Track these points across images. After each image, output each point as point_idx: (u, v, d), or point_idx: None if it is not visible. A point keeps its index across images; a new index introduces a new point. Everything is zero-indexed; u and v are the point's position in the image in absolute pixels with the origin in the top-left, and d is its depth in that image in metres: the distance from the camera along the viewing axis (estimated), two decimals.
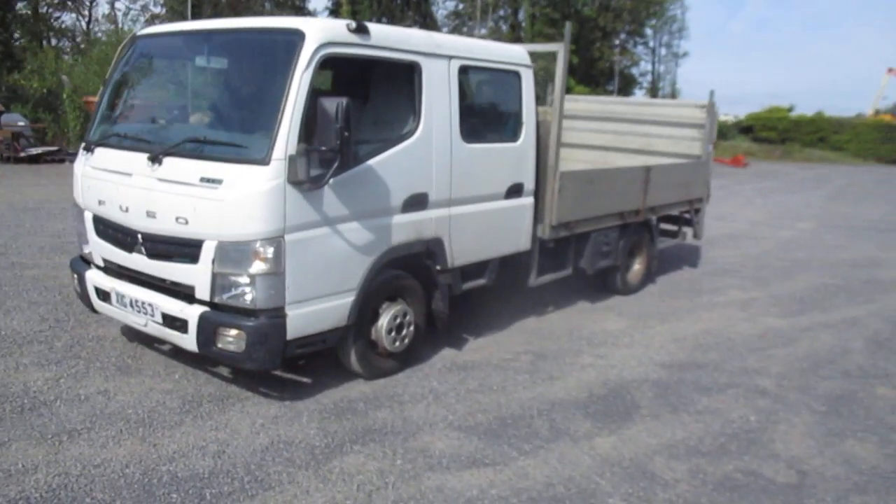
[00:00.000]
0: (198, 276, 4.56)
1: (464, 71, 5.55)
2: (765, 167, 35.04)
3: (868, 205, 20.29)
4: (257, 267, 4.37)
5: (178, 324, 4.71)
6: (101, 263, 5.31)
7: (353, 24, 4.66)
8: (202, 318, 4.54)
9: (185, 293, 4.71)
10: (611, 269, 7.95)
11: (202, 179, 4.45)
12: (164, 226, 4.65)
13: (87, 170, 5.27)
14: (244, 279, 4.42)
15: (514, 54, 6.12)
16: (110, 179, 5.02)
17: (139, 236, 4.85)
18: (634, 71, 57.91)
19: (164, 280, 4.79)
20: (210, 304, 4.58)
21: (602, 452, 4.49)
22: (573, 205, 6.81)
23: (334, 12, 38.94)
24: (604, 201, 7.33)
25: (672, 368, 6.03)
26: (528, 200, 6.37)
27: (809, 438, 4.87)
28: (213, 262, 4.46)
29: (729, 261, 10.88)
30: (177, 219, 4.57)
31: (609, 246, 7.63)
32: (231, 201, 4.33)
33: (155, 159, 4.68)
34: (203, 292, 4.57)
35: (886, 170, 38.08)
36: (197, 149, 4.58)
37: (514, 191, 6.18)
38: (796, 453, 4.64)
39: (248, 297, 4.43)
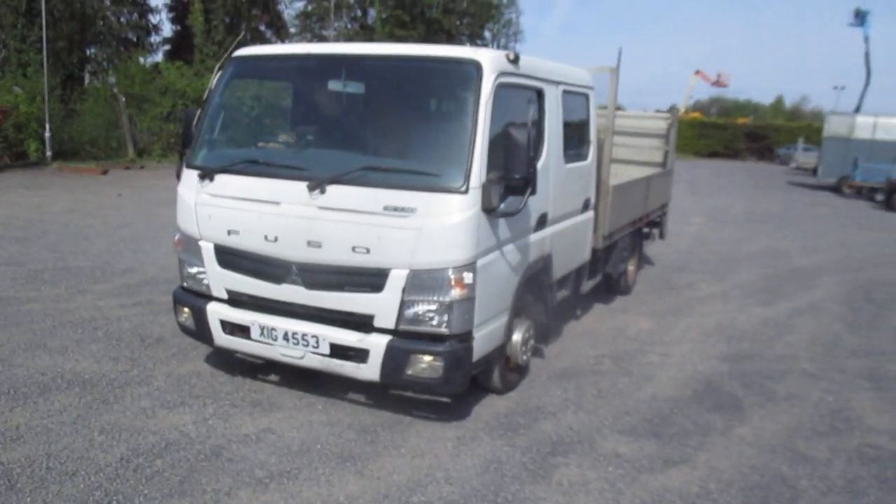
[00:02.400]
0: (380, 304, 4.55)
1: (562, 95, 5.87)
2: None
3: (724, 198, 22.79)
4: (455, 293, 4.45)
5: (352, 354, 4.66)
6: (225, 296, 5.06)
7: (512, 55, 4.85)
8: (391, 347, 4.54)
9: (355, 322, 4.65)
10: (622, 273, 8.57)
11: (387, 208, 4.44)
12: (335, 256, 4.58)
13: (204, 198, 5.02)
14: (438, 305, 4.48)
15: (584, 77, 6.50)
16: (249, 208, 4.83)
17: (293, 267, 4.72)
18: None
19: (327, 311, 4.70)
20: (392, 332, 4.58)
21: (753, 441, 5.02)
22: (616, 215, 7.34)
23: (182, 9, 36.84)
24: (631, 210, 7.96)
25: (729, 361, 6.71)
26: (592, 214, 6.80)
27: (885, 412, 5.69)
28: (404, 290, 4.47)
29: (671, 257, 11.92)
30: (353, 248, 4.52)
31: (626, 251, 8.25)
32: (429, 230, 4.37)
33: (317, 187, 4.58)
34: (386, 320, 4.56)
35: (707, 163, 42.47)
36: (368, 177, 4.54)
37: (586, 206, 6.59)
38: (888, 426, 5.43)
39: (442, 323, 4.50)
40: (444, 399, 5.27)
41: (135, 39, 37.46)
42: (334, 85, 5.16)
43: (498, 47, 61.83)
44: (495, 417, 5.11)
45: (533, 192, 4.60)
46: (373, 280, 4.53)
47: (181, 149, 5.47)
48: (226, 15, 35.05)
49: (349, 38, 45.93)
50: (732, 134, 54.17)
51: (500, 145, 4.48)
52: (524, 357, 5.50)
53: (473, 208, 4.40)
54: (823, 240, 15.04)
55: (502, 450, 4.64)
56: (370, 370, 4.62)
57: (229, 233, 4.91)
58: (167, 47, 39.91)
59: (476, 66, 4.56)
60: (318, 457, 4.41)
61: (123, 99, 25.12)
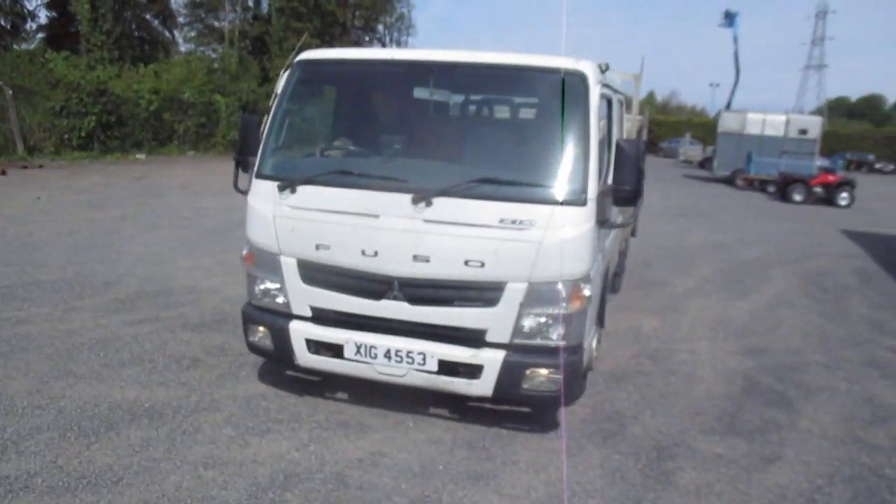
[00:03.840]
0: (494, 318, 4.49)
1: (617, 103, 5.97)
2: None
3: None
4: (574, 305, 4.46)
5: (462, 370, 4.57)
6: (308, 313, 4.83)
7: (604, 65, 4.89)
8: (508, 362, 4.49)
9: (462, 338, 4.57)
10: (620, 271, 8.83)
11: (503, 221, 4.38)
12: (446, 270, 4.47)
13: (285, 210, 4.76)
14: (557, 318, 4.47)
15: (621, 84, 6.63)
16: (342, 222, 4.63)
17: (395, 283, 4.57)
18: None
19: (433, 327, 4.59)
20: (505, 346, 4.53)
21: (821, 434, 5.33)
22: (632, 218, 7.54)
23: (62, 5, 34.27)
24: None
25: (749, 356, 7.07)
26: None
27: None
28: (521, 304, 4.43)
29: (630, 253, 12.34)
30: (466, 262, 4.43)
31: (624, 251, 8.51)
32: (550, 243, 4.34)
33: (422, 200, 4.45)
34: (500, 335, 4.51)
35: None
36: (478, 189, 4.45)
37: None
38: None
39: (560, 336, 4.49)
40: (525, 409, 5.24)
41: (8, 27, 34.70)
42: (420, 93, 4.99)
43: (391, 41, 61.69)
44: (584, 425, 5.15)
45: (640, 204, 4.64)
46: (487, 294, 4.45)
47: (238, 157, 5.14)
48: (114, 2, 32.90)
49: (243, 30, 44.32)
50: None
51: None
52: (593, 363, 5.56)
53: (591, 220, 4.42)
54: (748, 232, 16.01)
55: (613, 458, 4.69)
56: (483, 386, 4.55)
57: (318, 247, 4.67)
58: (42, 35, 37.21)
59: (581, 78, 4.56)
60: (447, 478, 4.30)
61: (10, 91, 23.14)
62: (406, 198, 4.47)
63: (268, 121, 5.01)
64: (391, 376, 4.68)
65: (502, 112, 4.92)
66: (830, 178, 23.90)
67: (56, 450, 4.33)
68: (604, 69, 4.84)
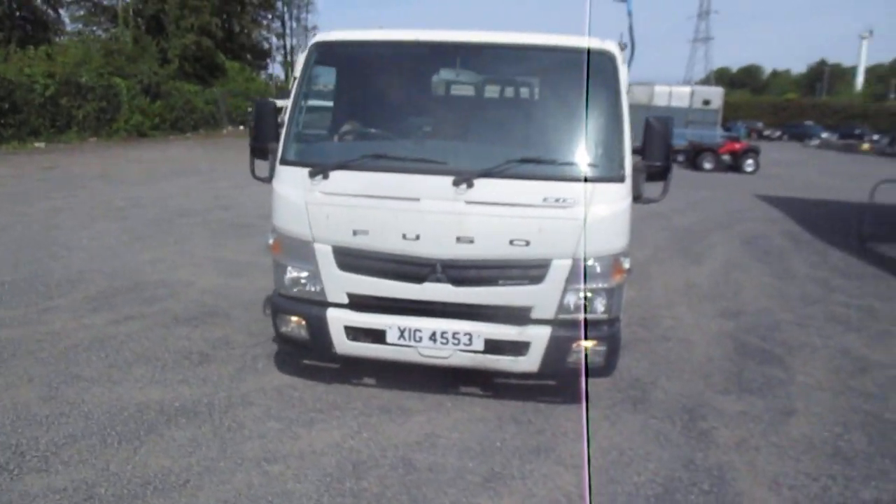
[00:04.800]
0: (539, 295, 4.59)
1: None
2: None
3: None
4: (616, 279, 4.62)
5: (509, 347, 4.66)
6: (345, 300, 4.80)
7: (622, 44, 5.04)
8: (555, 337, 4.60)
9: (506, 316, 4.66)
10: None
11: (546, 199, 4.48)
12: (490, 250, 4.53)
13: (318, 197, 4.68)
14: (601, 292, 4.62)
15: None
16: (380, 206, 4.60)
17: (438, 265, 4.60)
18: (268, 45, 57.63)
19: (478, 307, 4.65)
20: (550, 322, 4.64)
21: (819, 386, 5.74)
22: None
23: None
24: None
25: (728, 318, 7.50)
26: None
27: (874, 348, 6.75)
28: (567, 280, 4.55)
29: None
30: (511, 241, 4.51)
31: None
32: (593, 219, 4.47)
33: (464, 181, 4.50)
34: (545, 311, 4.62)
35: None
36: (519, 169, 4.52)
37: None
38: (888, 358, 6.46)
39: (604, 309, 4.65)
40: (550, 382, 5.38)
41: None
42: (446, 74, 4.98)
43: (290, 19, 60.03)
44: (610, 393, 5.35)
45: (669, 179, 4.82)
46: (532, 272, 4.54)
47: (254, 143, 5.00)
48: None
49: (137, 9, 42.08)
50: None
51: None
52: None
53: (629, 196, 4.57)
54: (675, 201, 16.69)
55: (651, 423, 4.91)
56: (529, 362, 4.65)
57: (355, 233, 4.62)
58: None
59: (610, 57, 4.68)
60: (509, 453, 4.39)
61: None
62: (447, 180, 4.47)
63: (289, 105, 4.86)
64: (435, 358, 4.70)
65: (530, 92, 4.97)
66: (737, 146, 25.25)
67: (103, 456, 4.14)
68: (622, 47, 4.96)
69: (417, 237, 4.54)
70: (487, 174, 4.45)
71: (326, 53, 4.98)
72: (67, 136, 27.29)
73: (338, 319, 4.76)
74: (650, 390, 5.44)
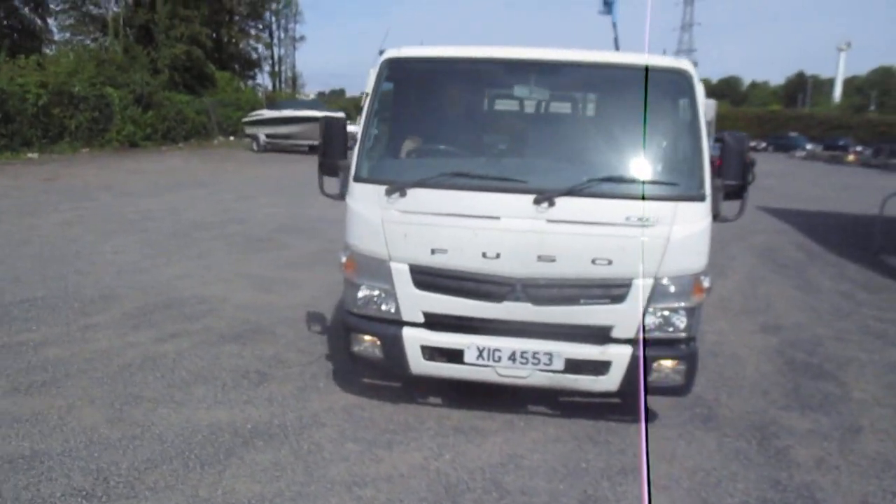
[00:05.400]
0: (620, 315, 4.56)
1: None
2: None
3: None
4: (696, 298, 4.61)
5: (589, 367, 4.64)
6: (421, 319, 4.75)
7: (695, 62, 5.05)
8: (636, 356, 4.59)
9: (586, 335, 4.64)
10: None
11: (629, 218, 4.47)
12: (572, 269, 4.51)
13: (395, 215, 4.63)
14: (682, 311, 4.61)
15: None
16: (460, 224, 4.57)
17: (518, 284, 4.57)
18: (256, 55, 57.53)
19: (558, 326, 4.62)
20: (630, 341, 4.63)
21: (876, 402, 5.77)
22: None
23: None
24: None
25: (772, 332, 7.52)
26: None
27: None
28: (648, 299, 4.54)
29: None
30: (593, 260, 4.49)
31: None
32: (676, 238, 4.47)
33: (545, 200, 4.48)
34: (626, 331, 4.60)
35: None
36: (600, 188, 4.51)
37: None
38: None
39: (684, 328, 4.64)
40: (615, 400, 5.36)
41: None
42: (520, 91, 4.97)
43: (278, 28, 59.84)
44: (676, 412, 5.34)
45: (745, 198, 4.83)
46: (614, 291, 4.52)
47: (323, 159, 4.96)
48: None
49: (127, 17, 41.79)
50: None
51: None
52: None
53: (710, 215, 4.57)
54: None
55: (726, 442, 4.90)
56: (610, 381, 4.62)
57: (433, 252, 4.58)
58: None
59: (687, 77, 4.69)
60: (597, 475, 4.36)
61: None
62: (527, 198, 4.45)
63: (362, 122, 4.82)
64: (514, 378, 4.67)
65: (605, 111, 4.96)
66: None
67: (189, 481, 4.05)
68: (696, 66, 4.98)
69: (498, 255, 4.51)
70: (570, 193, 4.43)
71: (397, 70, 4.94)
72: (60, 146, 26.96)
73: (414, 339, 4.71)
74: (714, 407, 5.43)
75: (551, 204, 4.44)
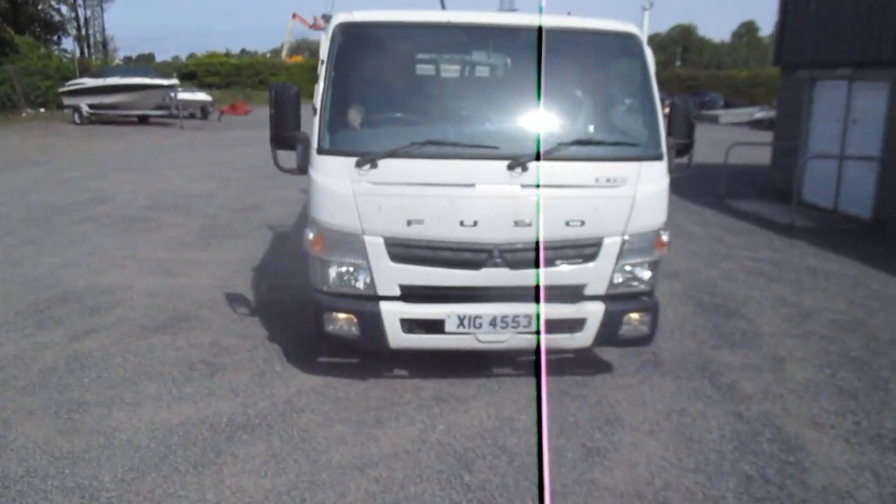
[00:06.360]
0: (592, 273, 4.76)
1: None
2: (256, 112, 37.10)
3: None
4: (658, 252, 4.90)
5: (566, 325, 4.82)
6: (397, 292, 4.71)
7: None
8: (609, 312, 4.81)
9: (561, 295, 4.80)
10: None
11: (598, 180, 4.66)
12: (547, 232, 4.61)
13: (366, 187, 4.52)
14: (646, 266, 4.88)
15: None
16: (435, 194, 4.55)
17: (495, 250, 4.64)
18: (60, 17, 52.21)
19: (534, 288, 4.75)
20: (601, 297, 4.84)
21: (796, 333, 6.45)
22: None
23: None
24: None
25: (674, 278, 8.12)
26: None
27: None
28: (618, 256, 4.77)
29: None
30: (567, 222, 4.64)
31: None
32: (642, 196, 4.71)
33: (518, 165, 4.56)
34: (597, 287, 4.80)
35: None
36: (569, 151, 4.63)
37: None
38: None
39: (648, 282, 4.92)
40: (568, 355, 5.60)
41: None
42: (479, 56, 4.94)
43: (85, 10, 54.52)
44: (628, 360, 5.65)
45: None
46: (586, 251, 4.69)
47: (277, 132, 4.70)
48: None
49: None
50: None
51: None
52: None
53: (668, 173, 4.84)
54: None
55: (682, 383, 5.29)
56: (584, 338, 4.82)
57: (409, 223, 4.52)
58: None
59: (637, 40, 4.89)
60: (589, 428, 4.54)
61: None
62: (500, 164, 4.48)
63: (319, 91, 4.60)
64: (493, 343, 4.74)
65: (564, 75, 5.03)
66: None
67: (191, 485, 3.78)
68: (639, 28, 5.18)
69: (475, 223, 4.51)
70: (542, 157, 4.49)
71: (351, 35, 4.74)
72: None
73: (393, 313, 4.63)
74: (658, 353, 5.80)
75: (524, 169, 4.49)
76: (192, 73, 54.42)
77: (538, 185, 4.54)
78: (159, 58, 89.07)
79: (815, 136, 13.62)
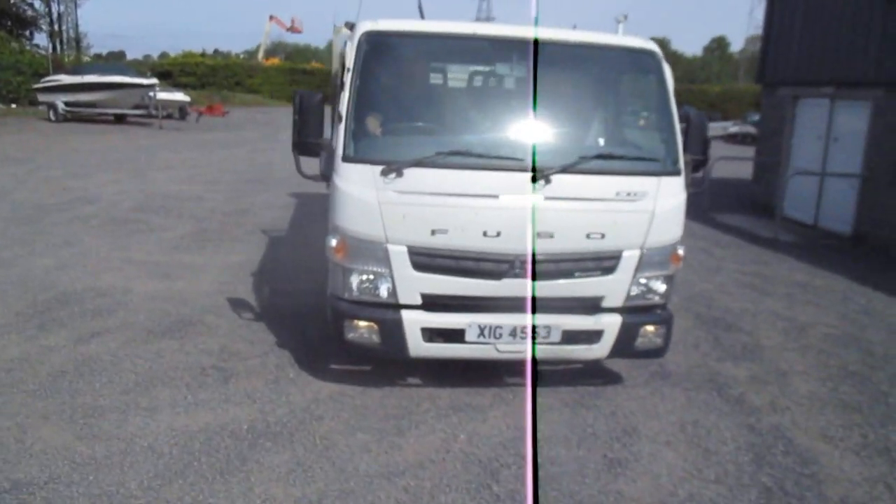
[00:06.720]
0: (610, 285, 4.83)
1: None
2: (233, 114, 36.87)
3: None
4: (675, 265, 4.99)
5: (583, 337, 4.88)
6: (419, 301, 4.73)
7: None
8: (626, 324, 4.89)
9: (579, 307, 4.86)
10: None
11: (619, 193, 4.75)
12: (568, 244, 4.68)
13: (391, 196, 4.54)
14: (662, 279, 4.96)
15: None
16: (459, 204, 4.59)
17: (517, 261, 4.69)
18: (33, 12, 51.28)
19: (553, 299, 4.80)
20: (618, 310, 4.92)
21: (795, 347, 6.59)
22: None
23: None
24: None
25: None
26: None
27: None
28: (635, 269, 4.85)
29: None
30: (588, 235, 4.71)
31: None
32: (661, 211, 4.79)
33: (543, 178, 4.62)
34: (615, 300, 4.88)
35: None
36: (591, 164, 4.70)
37: None
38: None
39: (664, 295, 5.01)
40: (578, 366, 5.66)
41: None
42: (502, 69, 5.00)
43: (59, 5, 53.59)
44: (636, 371, 5.73)
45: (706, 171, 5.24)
46: (605, 263, 4.77)
47: (300, 139, 4.72)
48: None
49: None
50: (321, 79, 56.65)
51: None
52: None
53: (685, 188, 4.93)
54: None
55: (691, 395, 5.36)
56: (601, 349, 4.89)
57: (433, 233, 4.55)
58: None
59: (655, 56, 4.99)
60: (608, 439, 4.60)
61: None
62: (524, 176, 4.54)
63: (345, 98, 4.62)
64: (512, 353, 4.78)
65: (584, 88, 5.10)
66: None
67: (221, 492, 3.76)
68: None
69: (498, 234, 4.56)
70: (565, 170, 4.56)
71: (377, 44, 4.76)
72: None
73: (414, 322, 4.65)
74: (664, 364, 5.88)
75: (548, 181, 4.55)
76: (167, 73, 53.68)
77: (561, 198, 4.58)
78: (130, 55, 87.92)
79: (797, 153, 13.92)
